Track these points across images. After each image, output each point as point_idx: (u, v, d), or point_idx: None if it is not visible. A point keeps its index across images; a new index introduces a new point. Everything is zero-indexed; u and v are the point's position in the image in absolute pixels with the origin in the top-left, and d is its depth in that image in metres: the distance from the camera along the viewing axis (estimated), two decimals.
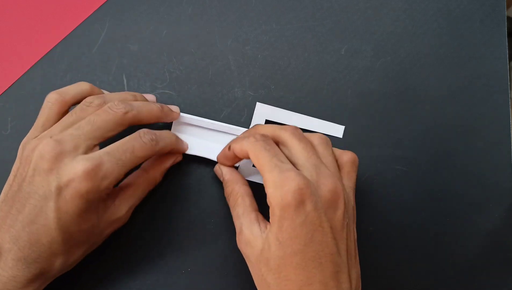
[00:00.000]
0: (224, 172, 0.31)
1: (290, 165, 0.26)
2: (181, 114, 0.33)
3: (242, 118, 0.35)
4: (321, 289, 0.24)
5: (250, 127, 0.33)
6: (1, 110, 0.35)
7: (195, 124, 0.33)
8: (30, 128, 0.29)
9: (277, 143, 0.29)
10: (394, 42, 0.37)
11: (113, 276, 0.32)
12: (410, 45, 0.37)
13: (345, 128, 0.35)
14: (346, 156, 0.29)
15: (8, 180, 0.27)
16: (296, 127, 0.29)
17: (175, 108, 0.32)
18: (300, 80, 0.36)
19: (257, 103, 0.32)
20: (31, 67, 0.36)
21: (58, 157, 0.25)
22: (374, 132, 0.35)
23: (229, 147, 0.30)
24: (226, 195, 0.31)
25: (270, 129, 0.29)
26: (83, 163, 0.25)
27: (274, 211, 0.25)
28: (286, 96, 0.35)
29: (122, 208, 0.28)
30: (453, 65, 0.37)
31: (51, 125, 0.28)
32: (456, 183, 0.34)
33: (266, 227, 0.26)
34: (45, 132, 0.27)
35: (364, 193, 0.34)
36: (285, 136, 0.28)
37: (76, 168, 0.24)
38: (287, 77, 0.36)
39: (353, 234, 0.27)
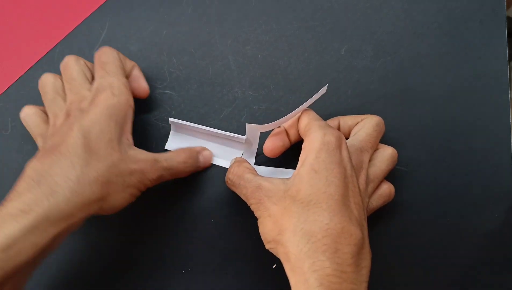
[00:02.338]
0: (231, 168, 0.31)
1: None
2: (178, 121, 0.33)
3: (242, 118, 0.35)
4: (350, 224, 0.24)
5: (246, 135, 0.33)
6: (1, 110, 0.35)
7: (192, 130, 0.33)
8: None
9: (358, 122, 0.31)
10: (394, 42, 0.37)
11: (113, 276, 0.32)
12: (410, 45, 0.37)
13: None
14: (388, 150, 0.31)
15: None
16: (381, 120, 0.31)
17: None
18: (300, 80, 0.36)
19: (247, 124, 0.31)
20: (31, 67, 0.36)
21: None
22: None
23: (279, 127, 0.31)
24: (232, 177, 0.30)
25: (357, 116, 0.32)
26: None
27: (313, 145, 0.26)
28: (286, 96, 0.35)
29: (147, 154, 0.28)
30: (453, 65, 0.37)
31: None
32: (456, 183, 0.34)
33: (287, 179, 0.26)
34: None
35: None
36: (371, 119, 0.31)
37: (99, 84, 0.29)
38: (287, 77, 0.36)
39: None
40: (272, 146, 0.31)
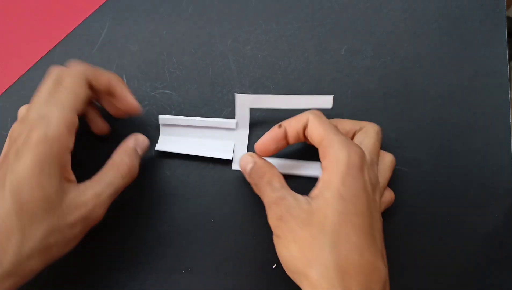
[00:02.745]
0: (256, 159, 0.29)
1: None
2: (167, 116, 0.33)
3: None
4: (378, 259, 0.23)
5: (235, 118, 0.33)
6: (1, 110, 0.35)
7: (182, 124, 0.33)
8: None
9: (357, 131, 0.30)
10: (394, 42, 0.37)
11: (113, 276, 0.32)
12: (410, 45, 0.37)
13: None
14: (387, 157, 0.31)
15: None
16: (380, 129, 0.30)
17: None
18: (300, 80, 0.36)
19: (235, 94, 0.31)
20: (31, 67, 0.36)
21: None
22: None
23: (279, 125, 0.29)
24: (258, 175, 0.28)
25: (356, 121, 0.31)
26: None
27: (338, 168, 0.24)
28: None
29: (87, 192, 0.26)
30: (453, 65, 0.37)
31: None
32: (456, 183, 0.34)
33: (311, 198, 0.25)
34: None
35: None
36: (371, 128, 0.30)
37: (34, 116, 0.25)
38: (287, 77, 0.36)
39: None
40: (265, 148, 0.29)
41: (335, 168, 0.24)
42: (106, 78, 0.28)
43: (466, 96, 0.36)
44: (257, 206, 0.29)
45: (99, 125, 0.32)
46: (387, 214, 0.34)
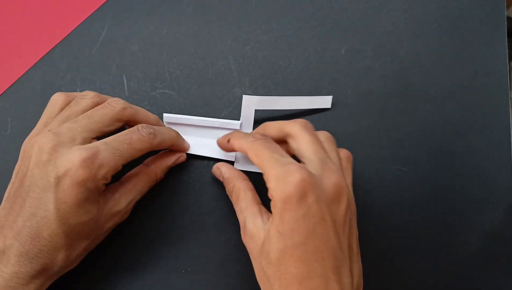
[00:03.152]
0: (223, 171, 0.31)
1: (291, 159, 0.26)
2: (172, 115, 0.33)
3: None
4: (322, 282, 0.24)
5: (240, 119, 0.34)
6: (1, 110, 0.35)
7: (186, 123, 0.33)
8: (31, 128, 0.29)
9: (285, 138, 0.29)
10: (394, 42, 0.37)
11: (113, 276, 0.32)
12: (410, 45, 0.37)
13: (345, 128, 0.35)
14: (342, 153, 0.30)
15: (11, 179, 0.27)
16: (306, 121, 0.29)
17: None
18: (300, 80, 0.36)
19: (243, 96, 0.32)
20: (31, 67, 0.36)
21: (55, 148, 0.25)
22: (374, 132, 0.35)
23: (228, 140, 0.30)
24: (228, 192, 0.31)
25: (279, 125, 0.29)
26: (80, 152, 0.25)
27: (276, 204, 0.24)
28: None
29: (122, 201, 0.29)
30: (453, 65, 0.37)
31: None
32: (456, 183, 0.34)
33: (268, 219, 0.26)
34: (44, 127, 0.28)
35: (364, 193, 0.34)
36: (295, 128, 0.28)
37: (73, 157, 0.25)
38: (287, 77, 0.36)
39: (355, 231, 0.27)
40: (222, 149, 0.32)
41: (275, 204, 0.25)
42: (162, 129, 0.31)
43: (466, 96, 0.36)
44: None
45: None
46: (387, 214, 0.34)
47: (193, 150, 0.33)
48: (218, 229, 0.33)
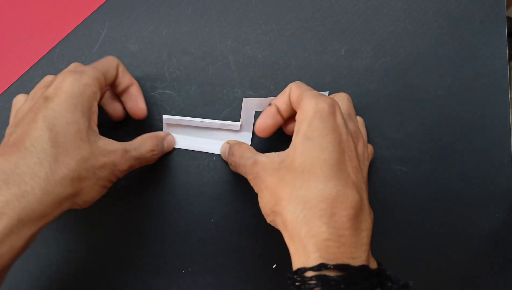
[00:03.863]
0: (230, 142, 0.32)
1: None
2: (171, 117, 0.33)
3: None
4: (346, 187, 0.23)
5: (240, 120, 0.34)
6: (1, 110, 0.35)
7: (186, 124, 0.33)
8: None
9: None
10: (394, 42, 0.37)
11: (113, 276, 0.32)
12: (410, 45, 0.37)
13: None
14: (358, 118, 0.33)
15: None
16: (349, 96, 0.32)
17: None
18: (300, 80, 0.36)
19: (243, 98, 0.32)
20: (31, 67, 0.36)
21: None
22: (374, 132, 0.35)
23: (270, 104, 0.30)
24: (231, 154, 0.31)
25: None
26: (69, 70, 0.27)
27: (306, 114, 0.25)
28: None
29: (115, 144, 0.28)
30: (453, 65, 0.37)
31: None
32: (456, 183, 0.34)
33: (282, 152, 0.26)
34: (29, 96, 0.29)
35: None
36: (341, 94, 0.31)
37: (63, 74, 0.26)
38: (287, 77, 0.36)
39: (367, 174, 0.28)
40: (264, 125, 0.30)
41: (304, 115, 0.25)
42: (130, 77, 0.31)
43: (466, 96, 0.36)
44: (257, 206, 0.29)
45: (117, 109, 0.33)
46: (387, 214, 0.34)
47: (195, 147, 0.33)
48: (218, 229, 0.33)
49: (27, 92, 0.35)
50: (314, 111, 0.25)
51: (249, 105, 0.33)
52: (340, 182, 0.23)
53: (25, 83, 0.35)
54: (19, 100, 0.29)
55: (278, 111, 0.30)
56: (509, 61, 0.38)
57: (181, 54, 0.36)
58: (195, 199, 0.33)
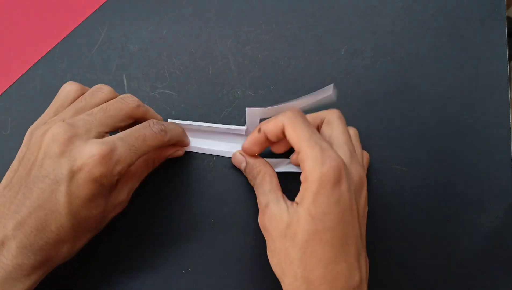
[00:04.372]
0: (248, 157, 0.31)
1: (329, 145, 0.26)
2: (177, 121, 0.33)
3: (242, 118, 0.35)
4: (346, 268, 0.25)
5: (246, 126, 0.33)
6: (1, 110, 0.35)
7: (191, 128, 0.33)
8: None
9: (319, 125, 0.30)
10: (394, 42, 0.37)
11: (113, 276, 0.32)
12: (410, 45, 0.37)
13: None
14: (364, 153, 0.32)
15: (11, 165, 0.26)
16: (341, 113, 0.30)
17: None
18: (300, 80, 0.36)
19: (247, 108, 0.31)
20: (31, 67, 0.36)
21: (71, 140, 0.24)
22: (374, 132, 0.35)
23: (259, 129, 0.29)
24: (252, 176, 0.31)
25: (316, 113, 0.31)
26: (98, 146, 0.24)
27: (310, 186, 0.25)
28: (286, 96, 0.35)
29: (124, 190, 0.29)
30: (453, 65, 0.37)
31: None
32: (456, 183, 0.34)
33: (292, 205, 0.26)
34: (56, 116, 0.27)
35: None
36: (333, 116, 0.30)
37: (91, 151, 0.24)
38: (287, 77, 0.36)
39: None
40: (251, 152, 0.31)
41: (308, 186, 0.25)
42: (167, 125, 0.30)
43: (466, 96, 0.36)
44: (257, 206, 0.29)
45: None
46: (387, 214, 0.34)
47: (200, 150, 0.33)
48: (218, 229, 0.33)
49: (27, 92, 0.35)
50: (319, 184, 0.24)
51: (253, 115, 0.32)
52: (340, 264, 0.25)
53: (25, 83, 0.35)
54: (71, 92, 0.29)
55: (267, 138, 0.29)
56: (509, 61, 0.38)
57: (181, 54, 0.36)
58: (195, 199, 0.33)
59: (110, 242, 0.32)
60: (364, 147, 0.35)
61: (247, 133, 0.33)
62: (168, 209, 0.33)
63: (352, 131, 0.31)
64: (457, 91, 0.36)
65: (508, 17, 0.44)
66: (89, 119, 0.26)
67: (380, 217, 0.33)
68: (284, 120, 0.27)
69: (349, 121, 0.35)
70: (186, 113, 0.35)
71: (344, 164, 0.25)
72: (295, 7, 0.37)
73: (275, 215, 0.26)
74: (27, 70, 0.36)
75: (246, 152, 0.31)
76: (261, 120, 0.33)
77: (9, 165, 0.27)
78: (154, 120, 0.29)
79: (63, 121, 0.25)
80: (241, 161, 0.32)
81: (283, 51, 0.36)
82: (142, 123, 0.28)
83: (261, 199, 0.28)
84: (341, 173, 0.25)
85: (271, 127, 0.28)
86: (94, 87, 0.29)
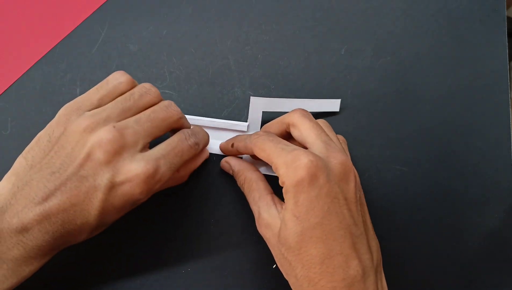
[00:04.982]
0: (233, 164, 0.32)
1: (296, 146, 0.26)
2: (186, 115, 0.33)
3: (242, 117, 0.35)
4: (342, 260, 0.24)
5: (248, 120, 0.34)
6: (1, 110, 0.35)
7: (193, 123, 0.33)
8: (31, 128, 0.28)
9: (287, 129, 0.30)
10: (394, 42, 0.37)
11: (113, 276, 0.32)
12: (410, 45, 0.37)
13: (345, 128, 0.35)
14: (339, 137, 0.32)
15: (38, 140, 0.26)
16: (304, 110, 0.29)
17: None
18: (300, 80, 0.36)
19: (251, 97, 0.32)
20: (31, 67, 0.36)
21: (119, 151, 0.25)
22: (374, 132, 0.35)
23: (232, 144, 0.31)
24: (239, 184, 0.31)
25: (279, 119, 0.30)
26: (144, 166, 0.25)
27: (288, 189, 0.25)
28: (286, 96, 0.35)
29: (144, 198, 0.28)
30: (453, 65, 0.37)
31: (108, 102, 0.27)
32: (456, 183, 0.34)
33: (282, 207, 0.27)
34: (102, 110, 0.26)
35: (364, 193, 0.34)
36: (295, 117, 0.29)
37: (138, 169, 0.25)
38: (287, 77, 0.36)
39: (366, 207, 0.28)
40: (225, 154, 0.32)
41: (287, 189, 0.25)
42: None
43: (466, 96, 0.36)
44: None
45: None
46: (387, 214, 0.34)
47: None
48: (218, 229, 0.33)
49: (27, 92, 0.35)
50: (295, 186, 0.24)
51: (256, 104, 0.33)
52: (335, 257, 0.24)
53: (25, 83, 0.35)
54: (122, 84, 0.28)
55: (238, 152, 0.31)
56: (509, 61, 0.38)
57: (181, 54, 0.36)
58: (195, 199, 0.33)
59: (110, 242, 0.32)
60: (364, 147, 0.35)
61: (249, 130, 0.34)
62: (168, 209, 0.33)
63: (322, 122, 0.31)
64: (457, 91, 0.36)
65: (508, 17, 0.44)
66: (137, 129, 0.26)
67: (380, 217, 0.33)
68: (251, 142, 0.28)
69: (349, 121, 0.35)
70: (186, 113, 0.35)
71: (316, 158, 0.25)
72: (295, 7, 0.37)
73: (269, 223, 0.27)
74: (27, 70, 0.36)
75: (223, 152, 0.33)
76: (263, 113, 0.33)
77: (9, 165, 0.27)
78: (189, 131, 0.29)
79: (114, 127, 0.25)
80: (228, 169, 0.32)
81: (283, 51, 0.36)
82: (178, 135, 0.28)
83: (253, 208, 0.29)
84: (313, 168, 0.24)
85: (242, 148, 0.30)
86: (142, 86, 0.28)
